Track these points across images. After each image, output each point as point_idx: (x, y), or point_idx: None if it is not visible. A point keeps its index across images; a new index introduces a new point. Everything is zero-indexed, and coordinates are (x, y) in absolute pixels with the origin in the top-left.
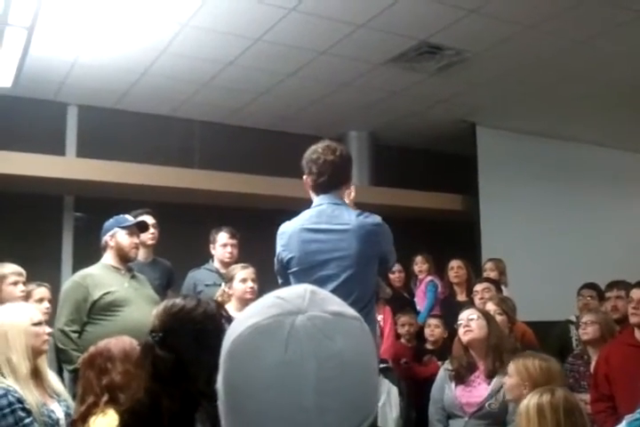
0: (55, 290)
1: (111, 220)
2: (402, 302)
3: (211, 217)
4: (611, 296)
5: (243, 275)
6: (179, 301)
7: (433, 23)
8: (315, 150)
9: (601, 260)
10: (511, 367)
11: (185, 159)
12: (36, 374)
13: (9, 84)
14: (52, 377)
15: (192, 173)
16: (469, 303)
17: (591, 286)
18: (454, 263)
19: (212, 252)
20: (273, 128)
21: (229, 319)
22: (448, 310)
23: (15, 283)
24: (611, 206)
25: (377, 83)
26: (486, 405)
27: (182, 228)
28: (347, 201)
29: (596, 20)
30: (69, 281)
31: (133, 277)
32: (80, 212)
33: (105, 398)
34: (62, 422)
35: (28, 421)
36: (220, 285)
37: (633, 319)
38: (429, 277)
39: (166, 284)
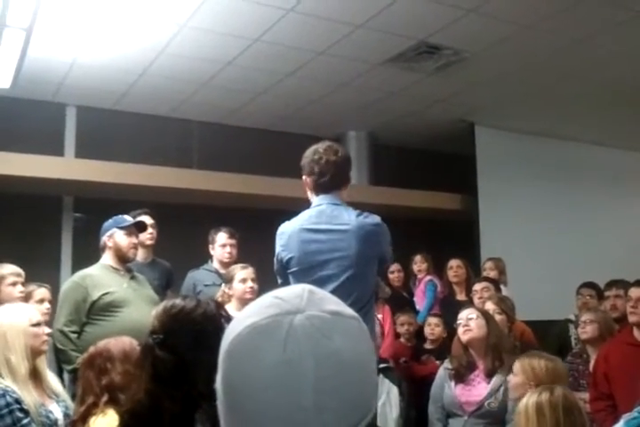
0: (54, 291)
1: (110, 220)
2: (401, 302)
3: (209, 217)
4: (610, 295)
5: (242, 275)
6: (178, 301)
7: (431, 23)
8: (316, 151)
9: (600, 259)
10: (517, 366)
11: (183, 159)
12: (35, 375)
13: (7, 86)
14: (51, 378)
15: (191, 173)
16: (468, 303)
17: (590, 284)
18: (453, 263)
19: (211, 252)
20: (271, 128)
21: (229, 320)
22: (447, 309)
23: (14, 284)
24: (610, 205)
25: (375, 83)
26: (486, 404)
27: (181, 228)
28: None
29: (596, 20)
30: (69, 282)
31: (133, 277)
32: (79, 212)
33: (105, 398)
34: (61, 422)
35: (25, 421)
36: (219, 285)
37: (631, 318)
38: (428, 277)
39: (166, 284)
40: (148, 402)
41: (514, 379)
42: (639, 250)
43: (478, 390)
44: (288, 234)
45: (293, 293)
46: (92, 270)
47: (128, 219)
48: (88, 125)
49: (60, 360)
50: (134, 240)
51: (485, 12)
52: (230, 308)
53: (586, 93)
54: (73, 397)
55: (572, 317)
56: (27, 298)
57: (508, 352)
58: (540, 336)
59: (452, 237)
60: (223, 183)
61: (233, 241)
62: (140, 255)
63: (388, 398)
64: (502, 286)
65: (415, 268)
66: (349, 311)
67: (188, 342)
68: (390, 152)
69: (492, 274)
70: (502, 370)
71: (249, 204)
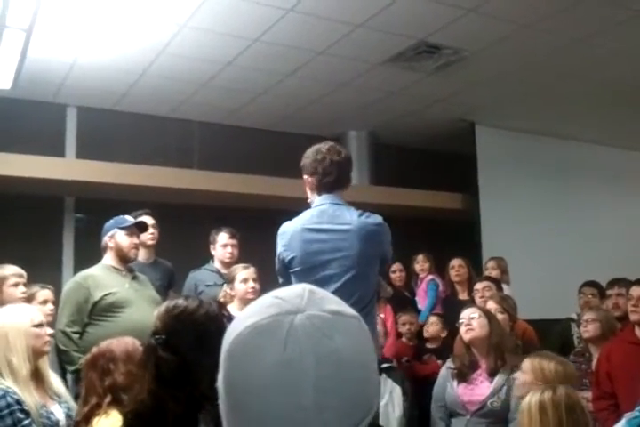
0: (56, 291)
1: (111, 221)
2: (403, 301)
3: (210, 217)
4: (612, 294)
5: (244, 275)
6: (181, 302)
7: (431, 23)
8: (318, 151)
9: (601, 258)
10: (526, 364)
11: (184, 160)
12: (37, 376)
13: (8, 86)
14: (53, 379)
15: (191, 173)
16: (470, 302)
17: (592, 283)
18: (455, 262)
19: (213, 252)
20: (272, 128)
21: (231, 320)
22: (449, 308)
23: (16, 284)
24: (611, 204)
25: (375, 82)
26: (488, 403)
27: (182, 228)
28: None
29: (595, 19)
30: (70, 282)
31: (135, 277)
32: (80, 213)
33: (108, 399)
34: (62, 423)
35: (26, 422)
36: (220, 285)
37: (633, 317)
38: (430, 276)
39: (167, 284)
40: (152, 403)
41: (522, 376)
42: None
43: (481, 389)
44: (290, 234)
45: (294, 292)
46: (93, 271)
47: (129, 219)
48: (89, 126)
49: (63, 361)
50: (135, 240)
51: (485, 11)
52: (232, 308)
53: (586, 93)
54: (76, 398)
55: (574, 316)
56: (30, 299)
57: (511, 351)
58: (541, 335)
59: (453, 236)
60: (224, 183)
61: (234, 241)
62: (142, 255)
63: (391, 398)
64: (504, 286)
65: (417, 267)
66: (350, 311)
67: (190, 342)
68: (391, 152)
69: (495, 273)
70: (505, 369)
71: (249, 204)
